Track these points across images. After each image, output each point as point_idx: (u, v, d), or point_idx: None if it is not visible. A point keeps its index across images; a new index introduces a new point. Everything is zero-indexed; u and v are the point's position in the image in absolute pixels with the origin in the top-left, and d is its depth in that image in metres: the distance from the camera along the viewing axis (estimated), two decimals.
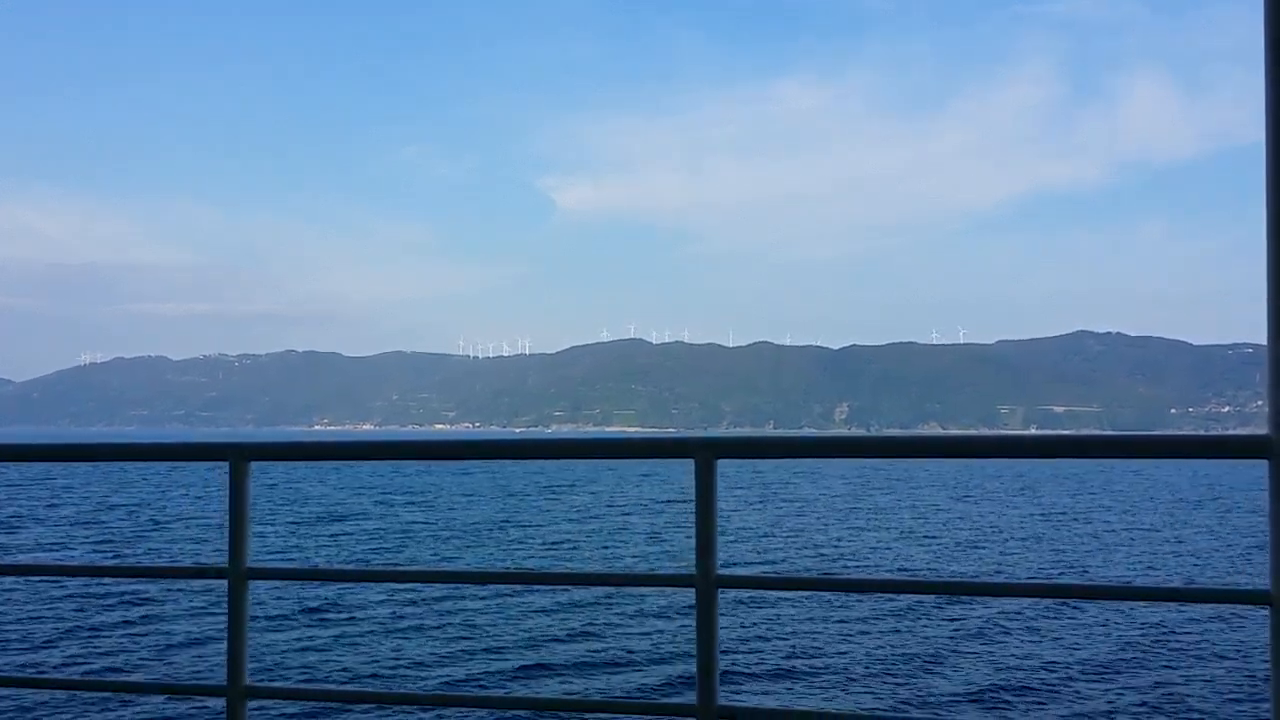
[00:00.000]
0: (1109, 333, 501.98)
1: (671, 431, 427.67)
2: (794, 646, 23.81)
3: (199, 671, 21.73)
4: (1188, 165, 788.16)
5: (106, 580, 30.82)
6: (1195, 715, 18.86)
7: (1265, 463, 2.23)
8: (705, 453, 2.64)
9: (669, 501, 66.82)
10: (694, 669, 2.68)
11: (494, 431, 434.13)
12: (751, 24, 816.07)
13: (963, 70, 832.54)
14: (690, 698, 2.64)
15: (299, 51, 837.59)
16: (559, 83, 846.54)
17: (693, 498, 2.57)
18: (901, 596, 30.73)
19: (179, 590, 29.48)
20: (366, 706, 17.97)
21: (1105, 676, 21.40)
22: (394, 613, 27.41)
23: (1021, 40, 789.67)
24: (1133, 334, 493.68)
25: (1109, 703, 19.53)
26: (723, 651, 20.74)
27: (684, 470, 2.56)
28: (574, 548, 43.78)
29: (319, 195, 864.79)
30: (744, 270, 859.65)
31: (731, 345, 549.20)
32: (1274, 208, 2.21)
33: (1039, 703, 19.54)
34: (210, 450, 3.08)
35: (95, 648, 23.68)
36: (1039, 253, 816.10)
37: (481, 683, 20.85)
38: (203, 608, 27.65)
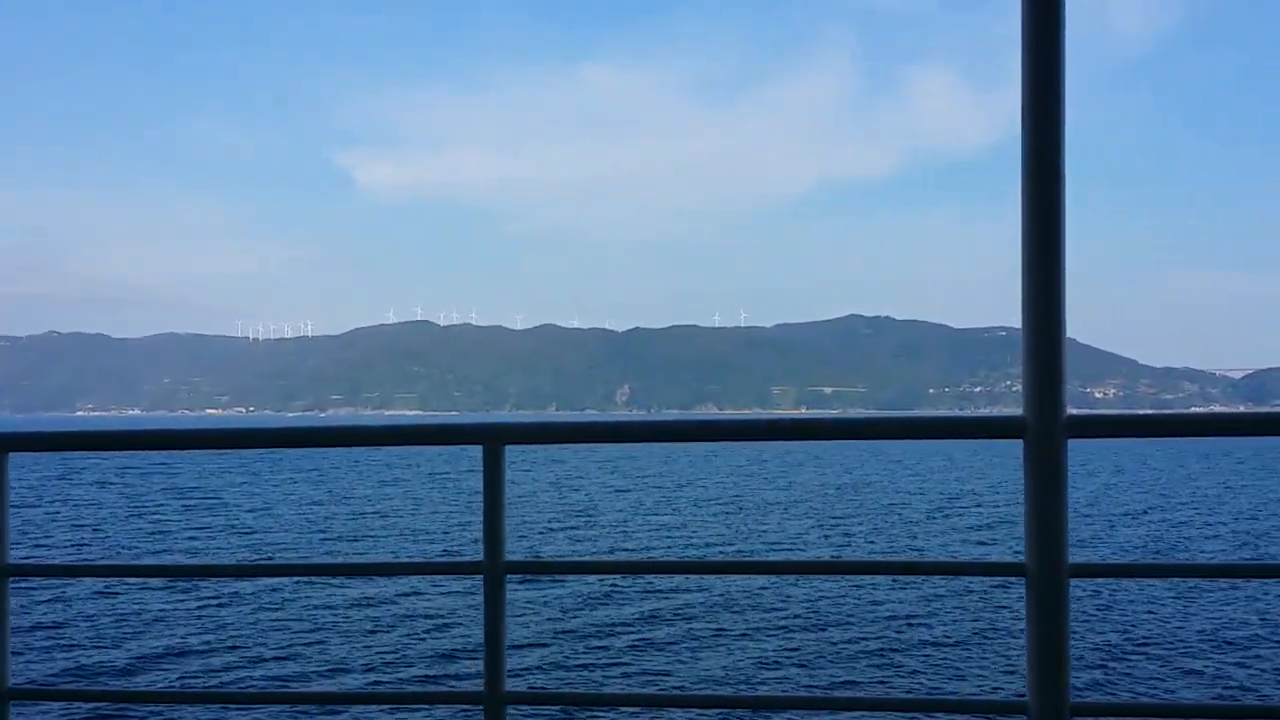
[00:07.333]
0: (878, 317, 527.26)
1: (454, 415, 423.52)
2: (582, 631, 24.21)
3: None
4: (972, 155, 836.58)
5: None
6: (955, 682, 20.26)
7: (1020, 442, 2.38)
8: (494, 439, 2.61)
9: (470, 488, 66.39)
10: (481, 656, 2.66)
11: (268, 416, 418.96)
12: (563, 2, 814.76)
13: (770, 57, 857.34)
14: (479, 684, 2.64)
15: (90, 21, 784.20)
16: (363, 57, 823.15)
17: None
18: (686, 577, 31.60)
19: None
20: (137, 706, 17.35)
21: (873, 648, 22.70)
22: (168, 608, 26.31)
23: (826, 29, 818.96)
24: (900, 318, 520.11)
25: (883, 676, 20.73)
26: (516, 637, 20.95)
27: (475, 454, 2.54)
28: (363, 538, 42.92)
29: (105, 170, 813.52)
30: (544, 252, 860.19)
31: (518, 328, 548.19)
32: (1028, 196, 2.35)
33: (810, 675, 20.55)
34: None
35: None
36: (826, 238, 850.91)
37: (261, 679, 20.33)
38: None
